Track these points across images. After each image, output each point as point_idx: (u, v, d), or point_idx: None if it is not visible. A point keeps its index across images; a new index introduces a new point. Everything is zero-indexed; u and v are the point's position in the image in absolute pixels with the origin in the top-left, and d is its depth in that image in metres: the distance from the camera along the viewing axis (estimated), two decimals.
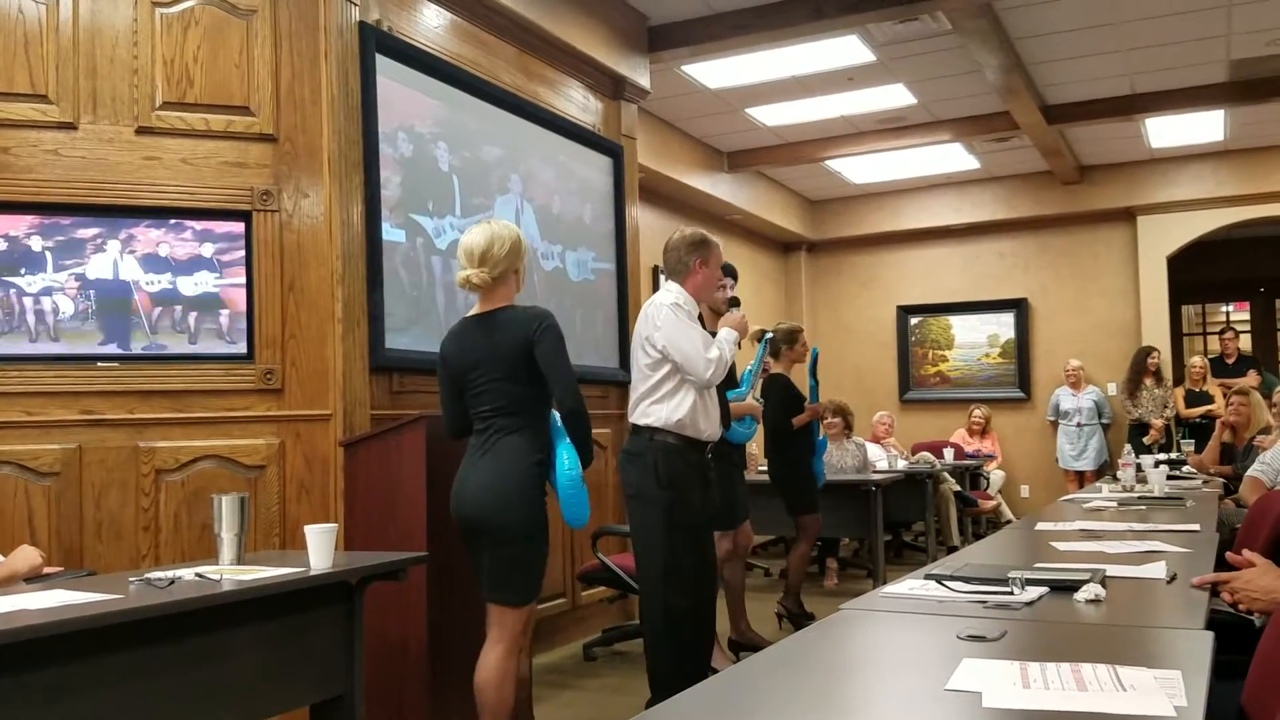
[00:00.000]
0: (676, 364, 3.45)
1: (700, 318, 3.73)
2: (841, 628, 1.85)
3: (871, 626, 1.87)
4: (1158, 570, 2.33)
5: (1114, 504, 4.07)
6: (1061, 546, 2.84)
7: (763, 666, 1.58)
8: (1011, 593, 2.04)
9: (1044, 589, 2.08)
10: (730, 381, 4.58)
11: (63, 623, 2.11)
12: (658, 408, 3.49)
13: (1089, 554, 2.67)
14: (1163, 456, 6.61)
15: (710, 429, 3.58)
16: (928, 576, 2.24)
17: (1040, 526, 3.36)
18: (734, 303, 3.87)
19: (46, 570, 3.08)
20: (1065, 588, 2.09)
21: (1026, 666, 1.48)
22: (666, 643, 3.47)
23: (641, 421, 3.52)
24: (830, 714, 1.35)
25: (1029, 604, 1.98)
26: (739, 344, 3.69)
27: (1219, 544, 2.88)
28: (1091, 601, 1.99)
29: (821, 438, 5.46)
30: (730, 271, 4.57)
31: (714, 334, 3.66)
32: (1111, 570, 2.30)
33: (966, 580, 2.15)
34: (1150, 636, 1.77)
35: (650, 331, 3.50)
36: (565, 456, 3.02)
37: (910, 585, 2.18)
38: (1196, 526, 3.22)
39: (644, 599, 3.59)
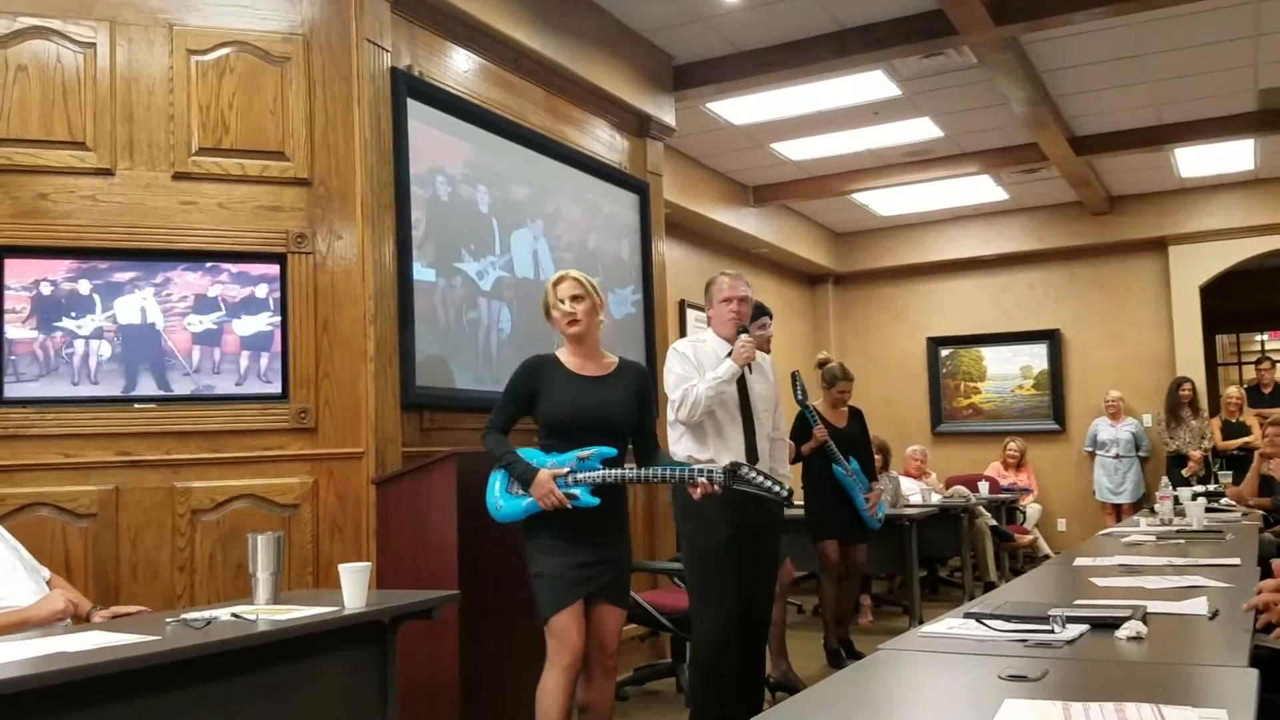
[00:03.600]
0: None
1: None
2: (880, 668, 1.83)
3: (911, 667, 1.85)
4: (1199, 606, 2.30)
5: (1153, 538, 4.01)
6: (1101, 583, 2.80)
7: (800, 710, 1.57)
8: (1052, 630, 2.01)
9: (1085, 626, 2.06)
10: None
11: (100, 665, 2.12)
12: (678, 445, 3.71)
13: (1129, 590, 2.63)
14: (1200, 489, 6.51)
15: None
16: (967, 615, 2.21)
17: (1079, 562, 3.32)
18: (742, 330, 3.83)
19: (124, 611, 3.07)
20: (1106, 625, 2.06)
21: (1070, 707, 1.46)
22: (699, 677, 3.51)
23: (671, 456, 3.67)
24: None
25: (1070, 642, 1.95)
26: (749, 370, 3.69)
27: (1259, 577, 2.83)
28: (1133, 639, 1.96)
29: (851, 477, 5.42)
30: (763, 310, 4.58)
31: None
32: (1152, 606, 2.27)
33: (1006, 619, 2.13)
34: (1193, 675, 1.74)
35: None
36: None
37: (949, 624, 2.16)
38: (1237, 560, 3.16)
39: (693, 630, 3.70)
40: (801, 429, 5.33)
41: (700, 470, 3.10)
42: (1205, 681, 1.69)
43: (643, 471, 3.21)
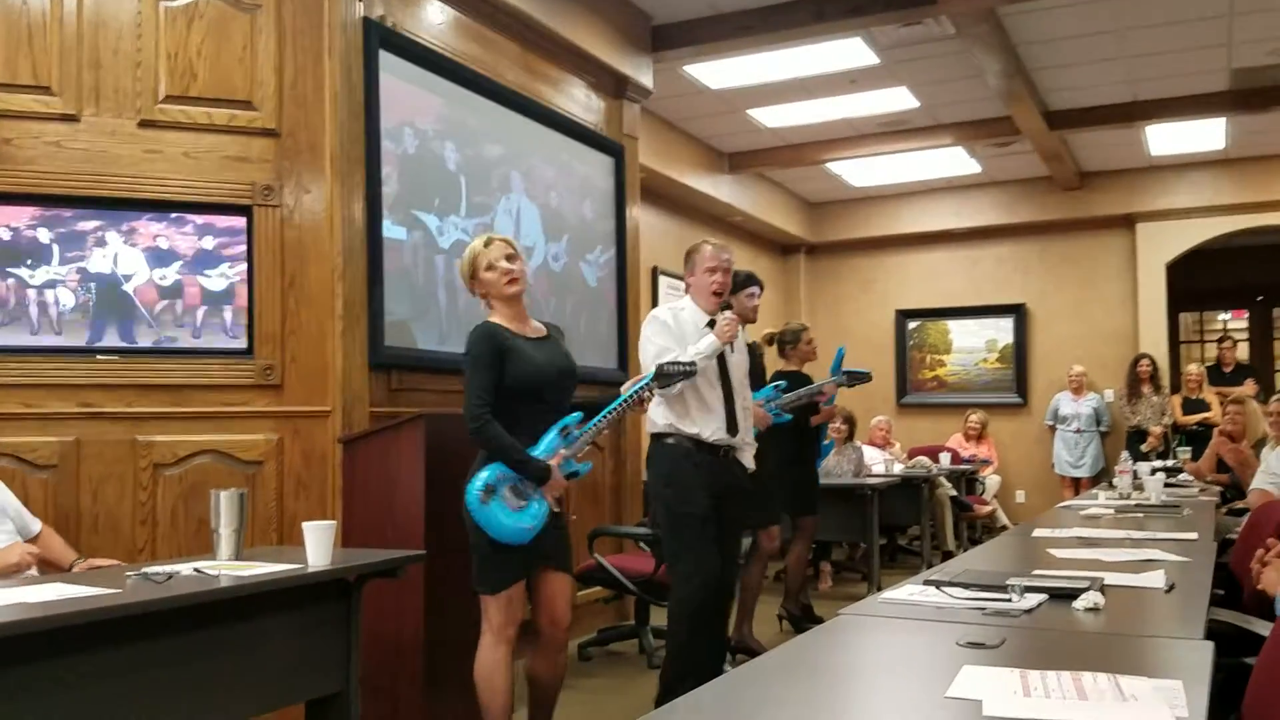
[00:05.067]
0: None
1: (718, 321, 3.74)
2: (840, 634, 1.85)
3: (870, 633, 1.87)
4: (1156, 580, 2.34)
5: (1111, 511, 4.07)
6: (1059, 554, 2.85)
7: (762, 672, 1.58)
8: (1010, 600, 2.04)
9: (1043, 596, 2.09)
10: (759, 383, 4.63)
11: (58, 617, 2.11)
12: (656, 412, 3.64)
13: (1086, 562, 2.68)
14: (1160, 464, 6.61)
15: (714, 431, 3.61)
16: (926, 582, 2.24)
17: (1037, 533, 3.37)
18: (725, 306, 3.83)
19: (101, 563, 3.06)
20: (1064, 595, 2.09)
21: (1027, 674, 1.48)
22: (680, 641, 3.54)
23: (651, 430, 3.69)
24: None
25: (1028, 611, 1.98)
26: (730, 346, 3.67)
27: (1217, 554, 2.88)
28: (1090, 610, 2.00)
29: (828, 441, 5.46)
30: (753, 279, 4.57)
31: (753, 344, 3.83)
32: (1110, 579, 2.31)
33: (965, 586, 2.16)
34: (1150, 646, 1.77)
35: None
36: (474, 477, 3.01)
37: (909, 591, 2.18)
38: (1194, 535, 3.22)
39: (670, 593, 3.71)
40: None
41: (638, 387, 3.29)
42: (1161, 653, 1.72)
43: (605, 417, 3.15)
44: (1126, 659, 1.65)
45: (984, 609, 1.99)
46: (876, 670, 1.63)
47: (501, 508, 2.94)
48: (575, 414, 3.09)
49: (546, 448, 3.03)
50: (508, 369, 3.01)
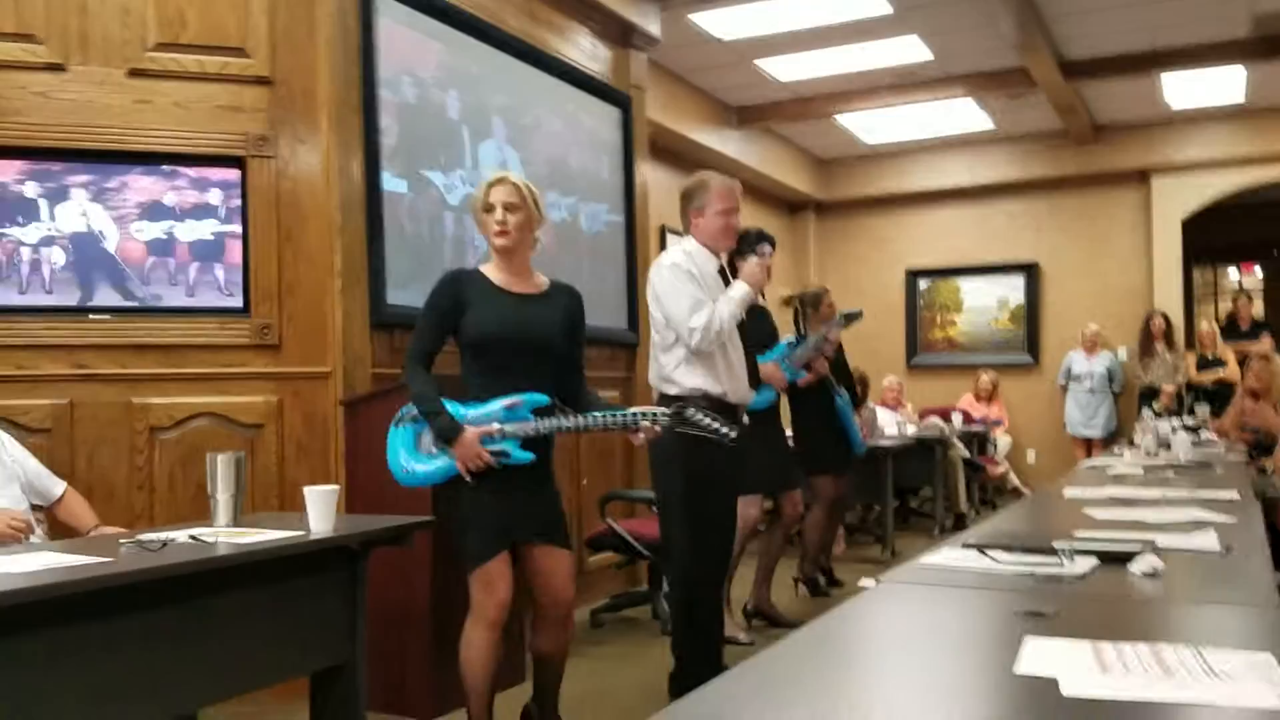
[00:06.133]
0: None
1: (726, 270, 3.53)
2: (883, 603, 1.72)
3: (915, 602, 1.73)
4: (1209, 541, 2.20)
5: (1139, 470, 3.94)
6: (1098, 514, 2.71)
7: (803, 647, 1.44)
8: (1061, 564, 1.90)
9: (1094, 560, 1.95)
10: (763, 344, 4.44)
11: (49, 587, 1.99)
12: (678, 374, 3.32)
13: (1129, 523, 2.53)
14: (1176, 422, 6.48)
15: (738, 392, 3.41)
16: (966, 545, 2.10)
17: (1069, 493, 3.23)
18: (747, 243, 3.62)
19: (111, 531, 2.97)
20: (1116, 559, 1.95)
21: (1100, 647, 1.34)
22: (695, 618, 3.36)
23: (668, 391, 3.35)
24: (895, 704, 1.21)
25: (1081, 577, 1.84)
26: (761, 296, 3.49)
27: (1263, 514, 2.75)
28: (1148, 575, 1.86)
29: (844, 398, 5.30)
30: (763, 236, 4.39)
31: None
32: (1160, 540, 2.17)
33: (1009, 549, 2.02)
34: (1221, 614, 1.63)
35: (650, 293, 3.37)
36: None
37: (948, 555, 2.04)
38: (1234, 494, 3.08)
39: (671, 565, 3.47)
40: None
41: (643, 414, 2.79)
42: (1236, 621, 1.58)
43: (579, 420, 2.78)
44: (1201, 629, 1.52)
45: (1033, 574, 1.85)
46: (930, 645, 1.49)
47: (409, 438, 2.82)
48: (539, 396, 2.79)
49: (482, 413, 2.77)
50: (463, 322, 2.81)
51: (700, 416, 2.75)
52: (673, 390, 3.32)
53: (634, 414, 2.80)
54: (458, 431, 2.73)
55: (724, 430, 2.75)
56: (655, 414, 2.78)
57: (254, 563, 2.40)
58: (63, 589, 2.00)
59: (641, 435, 2.81)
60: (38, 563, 2.17)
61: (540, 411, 2.79)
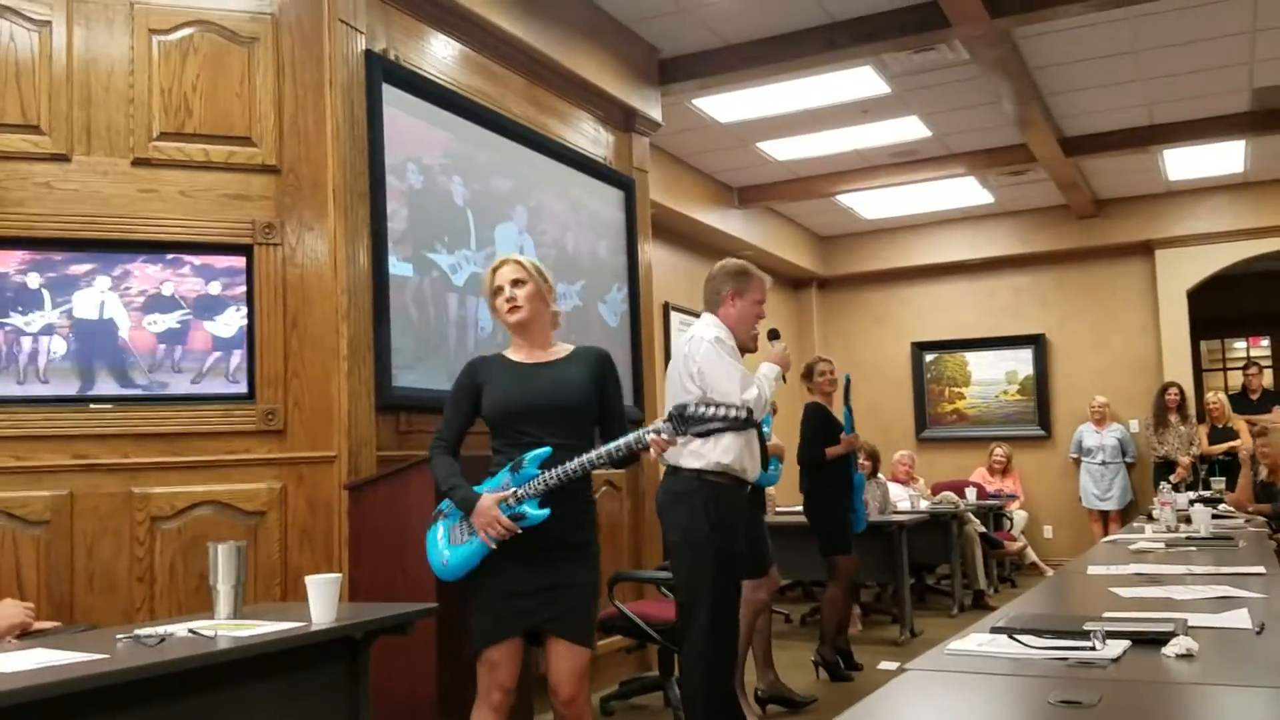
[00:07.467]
0: None
1: None
2: (911, 693, 1.64)
3: (946, 691, 1.66)
4: (1242, 619, 2.12)
5: (1161, 545, 3.85)
6: (1124, 593, 2.63)
7: None
8: (1093, 648, 1.83)
9: (1126, 643, 1.87)
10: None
11: (41, 687, 1.91)
12: (706, 448, 3.28)
13: (1158, 601, 2.46)
14: (1193, 495, 6.38)
15: (754, 470, 3.43)
16: (994, 630, 2.02)
17: (1092, 570, 3.15)
18: (774, 335, 3.70)
19: (39, 626, 2.88)
20: (1150, 641, 1.88)
21: None
22: (706, 699, 3.25)
23: (688, 464, 3.31)
24: None
25: (1114, 660, 1.77)
26: (784, 379, 3.50)
27: None
28: (1183, 656, 1.78)
29: (859, 474, 5.24)
30: (774, 334, 4.39)
31: None
32: (1191, 619, 2.09)
33: (1039, 634, 1.94)
34: (1262, 699, 1.56)
35: (691, 368, 3.34)
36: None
37: (977, 640, 1.97)
38: (1261, 569, 3.00)
39: (687, 650, 3.35)
40: (828, 432, 5.16)
41: (647, 431, 2.68)
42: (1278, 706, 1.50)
43: (585, 458, 2.68)
44: (1240, 714, 1.44)
45: (1066, 659, 1.78)
46: None
47: (444, 534, 2.81)
48: (541, 450, 2.72)
49: (491, 482, 2.76)
50: (483, 402, 2.85)
51: (704, 410, 2.59)
52: (698, 464, 3.31)
53: (637, 435, 2.70)
54: (474, 501, 2.73)
55: (733, 414, 2.58)
56: (659, 427, 2.66)
57: (254, 656, 2.32)
58: (57, 689, 1.92)
59: (653, 451, 2.70)
60: (32, 660, 2.11)
61: (546, 463, 2.71)
